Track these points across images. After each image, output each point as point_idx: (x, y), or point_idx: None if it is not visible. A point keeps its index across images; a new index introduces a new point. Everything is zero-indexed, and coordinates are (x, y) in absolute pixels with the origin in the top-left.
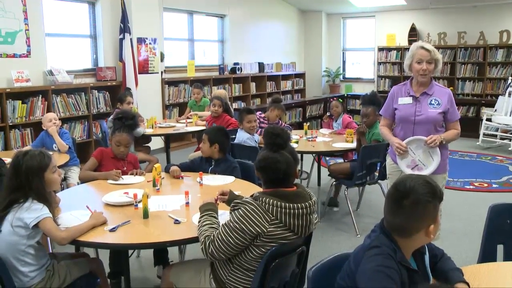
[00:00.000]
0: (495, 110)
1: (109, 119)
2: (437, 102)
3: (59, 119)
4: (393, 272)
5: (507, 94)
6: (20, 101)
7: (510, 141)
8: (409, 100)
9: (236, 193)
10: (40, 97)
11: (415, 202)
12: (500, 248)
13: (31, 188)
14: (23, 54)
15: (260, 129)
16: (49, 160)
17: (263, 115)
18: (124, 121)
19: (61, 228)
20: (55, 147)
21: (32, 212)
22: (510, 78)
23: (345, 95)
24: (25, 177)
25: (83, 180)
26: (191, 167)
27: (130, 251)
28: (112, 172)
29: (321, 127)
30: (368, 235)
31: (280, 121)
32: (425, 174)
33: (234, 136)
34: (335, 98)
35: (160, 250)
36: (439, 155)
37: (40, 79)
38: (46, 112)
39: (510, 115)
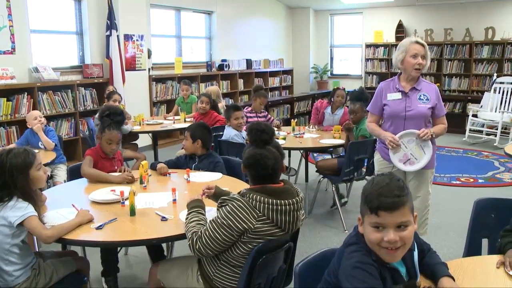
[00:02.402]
0: (481, 106)
1: (96, 117)
2: (426, 98)
3: (44, 117)
4: (371, 268)
5: (492, 90)
6: (5, 99)
7: (496, 136)
8: (398, 95)
9: (223, 189)
10: (25, 95)
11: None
12: (485, 242)
13: (16, 186)
14: (8, 50)
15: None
16: (33, 157)
17: (249, 109)
18: (112, 117)
19: (47, 226)
20: (41, 144)
21: (16, 210)
22: (495, 74)
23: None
24: (10, 175)
25: (89, 177)
26: (177, 164)
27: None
28: (123, 174)
29: (309, 122)
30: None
31: (269, 115)
32: (417, 168)
33: (221, 133)
34: (343, 87)
35: (154, 249)
36: (431, 149)
37: (25, 76)
38: (32, 110)
39: (495, 111)
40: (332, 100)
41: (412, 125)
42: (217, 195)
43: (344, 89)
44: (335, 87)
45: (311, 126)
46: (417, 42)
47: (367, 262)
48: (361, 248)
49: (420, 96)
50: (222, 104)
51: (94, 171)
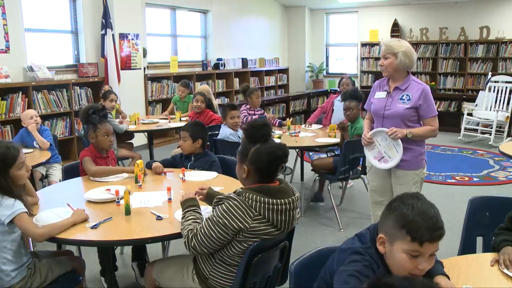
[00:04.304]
0: (476, 105)
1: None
2: (408, 98)
3: (39, 116)
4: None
5: (487, 89)
6: (0, 98)
7: (490, 135)
8: (383, 94)
9: (217, 189)
10: (20, 94)
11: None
12: (479, 240)
13: None
14: (2, 49)
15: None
16: (17, 152)
17: (247, 106)
18: (98, 113)
19: (38, 225)
20: (36, 144)
21: (4, 208)
22: (490, 73)
23: (329, 90)
24: None
25: (101, 174)
26: (172, 163)
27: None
28: (130, 167)
29: (304, 121)
30: (361, 233)
31: (265, 112)
32: (390, 166)
33: (217, 132)
34: (347, 75)
35: (138, 247)
36: (402, 148)
37: (20, 75)
38: (27, 109)
39: (490, 110)
40: (340, 89)
41: (390, 124)
42: (209, 197)
43: (350, 77)
44: (342, 76)
45: (307, 125)
46: (383, 44)
47: (366, 275)
48: (366, 260)
49: (403, 96)
50: (215, 103)
51: (104, 167)
